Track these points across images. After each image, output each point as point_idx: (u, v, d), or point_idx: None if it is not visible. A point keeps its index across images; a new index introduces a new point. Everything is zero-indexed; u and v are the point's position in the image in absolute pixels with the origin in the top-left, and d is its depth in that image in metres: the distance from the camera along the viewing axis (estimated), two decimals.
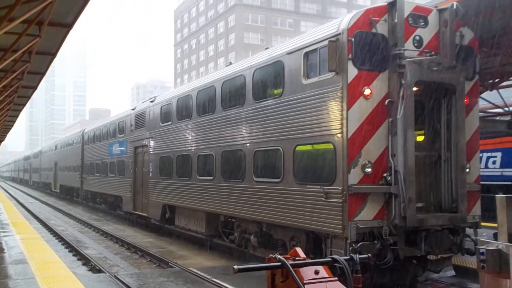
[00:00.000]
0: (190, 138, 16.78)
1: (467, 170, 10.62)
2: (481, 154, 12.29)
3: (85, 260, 14.98)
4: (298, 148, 11.14)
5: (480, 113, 12.25)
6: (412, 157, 9.71)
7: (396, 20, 10.01)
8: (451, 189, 10.43)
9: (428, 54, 10.24)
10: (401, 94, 9.78)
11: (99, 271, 13.08)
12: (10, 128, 40.81)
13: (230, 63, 16.20)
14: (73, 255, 16.23)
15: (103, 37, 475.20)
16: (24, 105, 26.26)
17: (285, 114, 11.56)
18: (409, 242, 10.03)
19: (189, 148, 16.74)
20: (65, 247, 17.85)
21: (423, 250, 10.08)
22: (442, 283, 11.55)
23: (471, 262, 11.44)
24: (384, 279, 10.19)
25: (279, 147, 11.71)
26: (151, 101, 21.14)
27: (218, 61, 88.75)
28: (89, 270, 13.77)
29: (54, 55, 15.28)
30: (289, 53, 11.57)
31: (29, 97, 23.51)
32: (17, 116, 32.02)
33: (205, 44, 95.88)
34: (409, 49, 10.12)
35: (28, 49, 12.91)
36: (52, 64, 16.86)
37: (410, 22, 10.32)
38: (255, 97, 12.93)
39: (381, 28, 10.09)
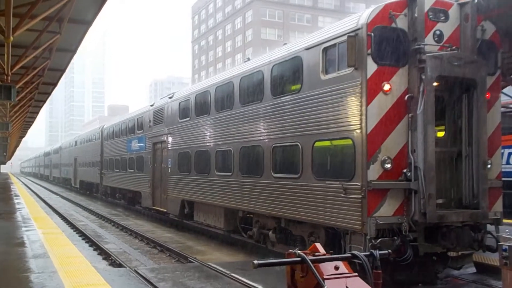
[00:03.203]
0: (208, 134, 16.84)
1: (489, 166, 10.49)
2: (502, 150, 12.11)
3: (105, 255, 15.14)
4: (317, 144, 11.11)
5: (502, 109, 12.08)
6: (432, 153, 9.62)
7: (416, 15, 9.91)
8: (472, 185, 10.31)
9: (449, 49, 10.13)
10: (421, 89, 9.69)
11: (120, 265, 13.21)
12: (31, 124, 41.43)
13: (248, 59, 16.21)
14: (94, 250, 16.42)
15: (121, 34, 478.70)
16: (44, 101, 26.65)
17: (304, 110, 11.53)
18: (429, 239, 9.95)
19: (208, 144, 16.79)
20: (86, 242, 18.07)
21: (443, 246, 10.01)
22: (463, 280, 11.44)
23: (492, 259, 11.31)
24: (404, 276, 10.13)
25: (298, 143, 11.69)
26: (170, 97, 21.25)
27: (236, 57, 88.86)
28: (110, 264, 13.92)
29: (74, 51, 15.49)
30: (308, 48, 11.53)
31: (49, 94, 23.87)
32: (37, 113, 32.51)
33: (222, 40, 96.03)
34: (429, 43, 10.02)
35: (49, 46, 13.11)
36: (72, 61, 17.09)
37: (431, 16, 10.20)
38: (273, 92, 12.91)
39: (401, 22, 10.00)
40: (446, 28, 10.34)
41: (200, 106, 17.66)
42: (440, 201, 10.07)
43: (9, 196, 30.98)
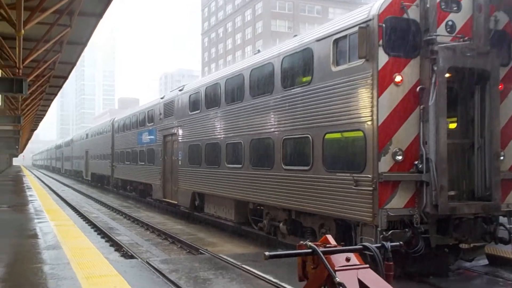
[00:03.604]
0: (218, 126, 16.85)
1: (501, 157, 10.41)
2: None
3: (117, 246, 15.24)
4: (328, 136, 11.07)
5: None
6: (444, 144, 9.55)
7: (428, 5, 9.81)
8: (485, 177, 10.25)
9: (461, 40, 10.02)
10: (433, 80, 9.61)
11: (131, 257, 13.30)
12: (42, 118, 41.72)
13: (259, 51, 16.16)
14: (106, 241, 16.53)
15: (131, 27, 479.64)
16: (55, 94, 26.80)
17: (314, 101, 11.49)
18: (440, 231, 9.91)
19: (218, 136, 16.81)
20: (98, 234, 18.20)
21: (455, 238, 9.96)
22: (475, 272, 11.39)
23: (505, 251, 11.25)
24: (416, 268, 10.10)
25: (308, 135, 11.66)
26: (180, 90, 21.27)
27: (246, 50, 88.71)
28: (122, 256, 14.01)
29: (84, 44, 15.53)
30: (318, 40, 11.47)
31: (60, 87, 23.99)
32: (49, 106, 32.72)
33: (232, 32, 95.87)
34: (441, 34, 9.92)
35: (60, 39, 13.16)
36: (82, 54, 17.14)
37: (443, 6, 10.09)
38: (283, 85, 12.87)
39: (413, 13, 9.90)
40: (459, 19, 10.23)
41: (210, 99, 17.67)
42: (452, 193, 10.02)
43: (21, 189, 31.27)
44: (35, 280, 8.04)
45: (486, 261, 11.83)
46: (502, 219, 10.60)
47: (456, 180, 10.39)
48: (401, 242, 4.40)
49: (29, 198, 23.54)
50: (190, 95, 19.66)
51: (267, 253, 3.80)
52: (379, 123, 9.55)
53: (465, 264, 11.51)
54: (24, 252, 10.33)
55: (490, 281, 10.80)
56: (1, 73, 13.60)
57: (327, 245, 4.04)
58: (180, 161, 20.53)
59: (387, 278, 3.93)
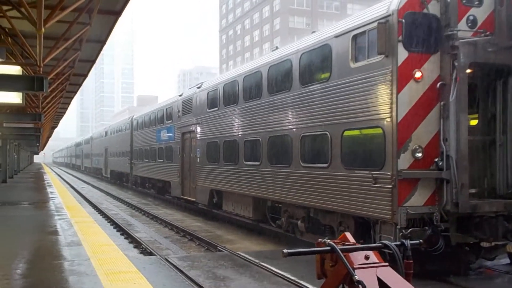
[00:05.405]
0: (236, 123, 16.85)
1: None
2: None
3: (136, 243, 15.33)
4: (346, 133, 11.00)
5: None
6: (465, 141, 9.42)
7: (448, 0, 9.67)
8: (507, 175, 10.09)
9: (483, 35, 9.86)
10: (453, 76, 9.47)
11: (150, 253, 13.37)
12: (62, 115, 42.16)
13: (277, 48, 16.11)
14: (125, 238, 16.65)
15: (149, 24, 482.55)
16: (75, 92, 27.06)
17: (333, 98, 11.41)
18: (461, 229, 9.78)
19: (236, 133, 16.82)
20: (117, 230, 18.34)
21: (475, 237, 9.83)
22: (496, 271, 11.23)
23: None
24: (436, 266, 9.99)
25: (327, 132, 11.60)
26: (198, 87, 21.32)
27: (263, 46, 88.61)
28: (141, 252, 14.09)
29: (103, 42, 15.65)
30: (337, 36, 11.39)
31: (80, 85, 24.21)
32: (69, 104, 33.05)
33: (250, 29, 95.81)
34: (462, 29, 9.77)
35: (79, 37, 13.27)
36: (101, 52, 17.27)
37: (464, 1, 9.94)
38: (302, 81, 12.82)
39: (433, 8, 9.77)
40: (480, 13, 10.06)
41: (228, 96, 17.67)
42: (473, 190, 9.88)
43: (42, 186, 31.72)
44: (57, 276, 8.14)
45: (507, 260, 11.66)
46: None
47: (477, 178, 10.25)
48: (421, 240, 4.35)
49: (50, 195, 23.88)
50: (208, 93, 19.70)
51: (285, 251, 3.77)
52: (399, 120, 9.45)
53: (486, 263, 11.36)
54: (45, 249, 10.47)
55: (511, 280, 10.64)
56: (22, 71, 13.75)
57: (346, 243, 4.00)
58: (198, 159, 20.59)
59: (406, 277, 3.89)
